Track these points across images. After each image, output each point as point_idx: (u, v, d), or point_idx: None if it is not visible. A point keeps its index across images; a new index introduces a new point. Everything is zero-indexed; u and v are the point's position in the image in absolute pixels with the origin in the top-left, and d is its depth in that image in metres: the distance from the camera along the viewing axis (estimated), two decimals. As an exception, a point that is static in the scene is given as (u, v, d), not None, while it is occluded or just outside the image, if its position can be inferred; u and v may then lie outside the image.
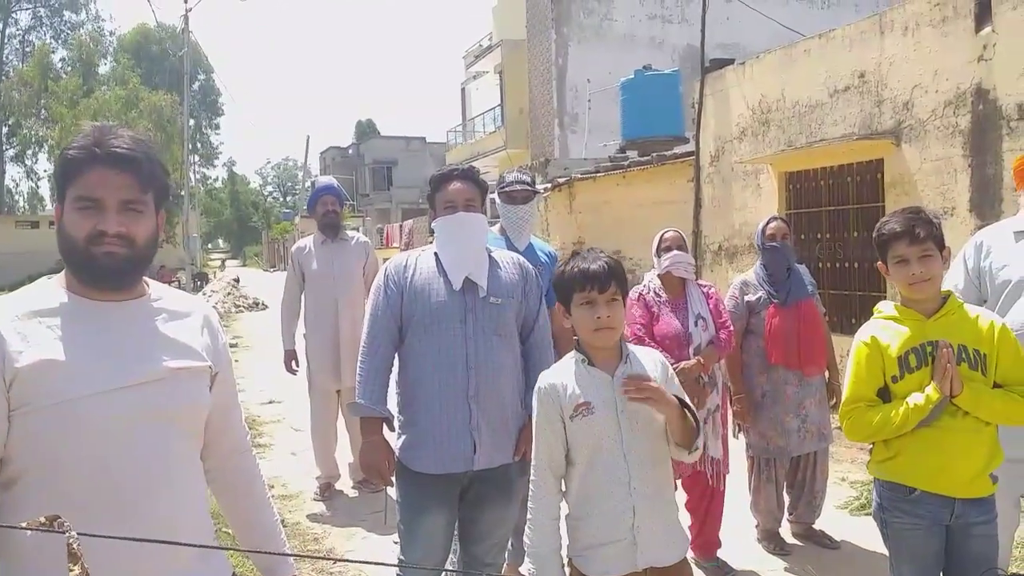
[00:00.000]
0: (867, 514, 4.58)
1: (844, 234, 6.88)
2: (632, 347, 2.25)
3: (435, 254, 2.69)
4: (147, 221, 1.55)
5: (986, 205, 5.48)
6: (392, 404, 2.73)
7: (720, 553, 3.89)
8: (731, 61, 8.59)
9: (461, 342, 2.58)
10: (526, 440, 2.71)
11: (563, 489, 2.21)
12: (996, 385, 2.36)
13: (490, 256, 2.72)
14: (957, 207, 5.72)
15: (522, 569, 2.28)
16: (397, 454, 2.67)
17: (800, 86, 7.18)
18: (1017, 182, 3.47)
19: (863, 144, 6.41)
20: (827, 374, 4.20)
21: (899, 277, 2.40)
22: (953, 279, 3.57)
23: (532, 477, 2.19)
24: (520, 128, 22.30)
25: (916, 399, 2.29)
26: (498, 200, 3.67)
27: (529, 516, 2.19)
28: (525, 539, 2.20)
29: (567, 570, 2.19)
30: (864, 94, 6.49)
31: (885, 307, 2.50)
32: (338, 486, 5.28)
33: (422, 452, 2.61)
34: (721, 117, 8.42)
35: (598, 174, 11.21)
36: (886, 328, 2.42)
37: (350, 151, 50.69)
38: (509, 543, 3.70)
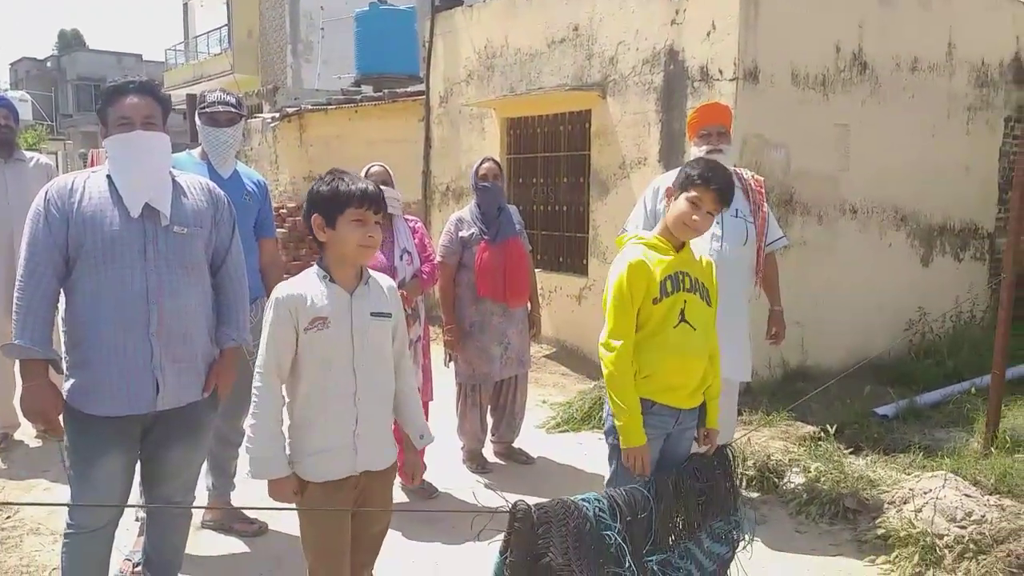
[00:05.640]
0: (562, 432, 5.09)
1: (556, 179, 7.37)
2: (370, 271, 2.38)
3: (108, 176, 2.45)
4: None
5: (672, 156, 6.15)
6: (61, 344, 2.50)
7: (426, 476, 4.09)
8: (460, 2, 8.68)
9: (140, 275, 2.39)
10: (216, 376, 2.62)
11: (285, 397, 2.30)
12: None
13: (175, 181, 2.54)
14: (649, 157, 6.36)
15: (249, 474, 2.28)
16: (66, 397, 2.45)
17: (522, 34, 7.47)
18: (689, 133, 3.95)
19: (575, 95, 6.85)
20: (529, 306, 4.53)
21: (683, 211, 2.55)
22: (635, 220, 4.01)
23: (256, 384, 2.25)
24: (249, 52, 20.90)
25: (624, 427, 2.52)
26: (199, 122, 3.44)
27: (252, 422, 2.24)
28: (246, 444, 2.26)
29: None
30: (577, 47, 6.92)
31: (645, 233, 2.68)
32: (17, 436, 4.78)
33: (96, 395, 2.41)
34: (450, 59, 8.53)
35: (329, 107, 10.87)
36: (649, 253, 2.60)
37: (49, 64, 44.43)
38: (210, 481, 3.60)
